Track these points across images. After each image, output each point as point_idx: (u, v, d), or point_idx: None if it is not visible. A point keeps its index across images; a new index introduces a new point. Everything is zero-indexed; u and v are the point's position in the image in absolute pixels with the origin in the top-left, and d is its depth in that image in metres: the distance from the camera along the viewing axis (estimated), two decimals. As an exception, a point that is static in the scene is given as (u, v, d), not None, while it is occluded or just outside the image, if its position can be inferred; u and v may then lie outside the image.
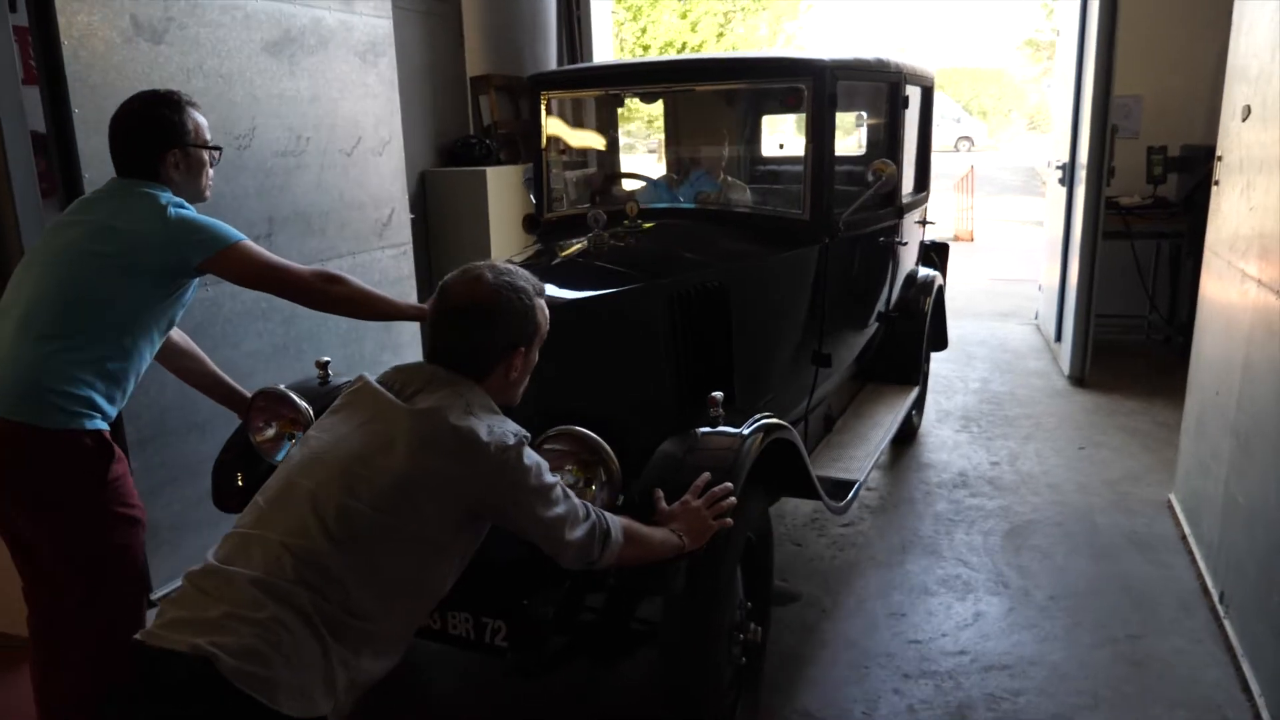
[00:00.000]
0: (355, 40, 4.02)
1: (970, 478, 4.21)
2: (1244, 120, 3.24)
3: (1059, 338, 5.99)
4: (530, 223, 3.66)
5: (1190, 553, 3.41)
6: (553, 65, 6.92)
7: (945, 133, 31.51)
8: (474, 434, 1.63)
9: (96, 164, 2.86)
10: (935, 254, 5.07)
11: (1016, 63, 37.82)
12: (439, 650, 2.25)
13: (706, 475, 2.08)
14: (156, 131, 2.20)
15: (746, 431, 2.30)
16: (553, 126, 3.83)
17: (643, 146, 11.57)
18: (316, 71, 3.80)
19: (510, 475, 1.66)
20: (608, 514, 1.85)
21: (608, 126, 4.38)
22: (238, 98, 3.41)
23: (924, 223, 4.79)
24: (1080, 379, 5.57)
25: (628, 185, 4.33)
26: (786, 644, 2.90)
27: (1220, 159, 3.61)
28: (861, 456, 3.54)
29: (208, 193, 2.34)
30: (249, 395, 2.52)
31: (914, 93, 4.15)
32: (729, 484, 2.07)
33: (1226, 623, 2.92)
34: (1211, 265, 3.53)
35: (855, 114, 4.66)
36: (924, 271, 4.76)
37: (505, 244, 5.76)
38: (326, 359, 2.61)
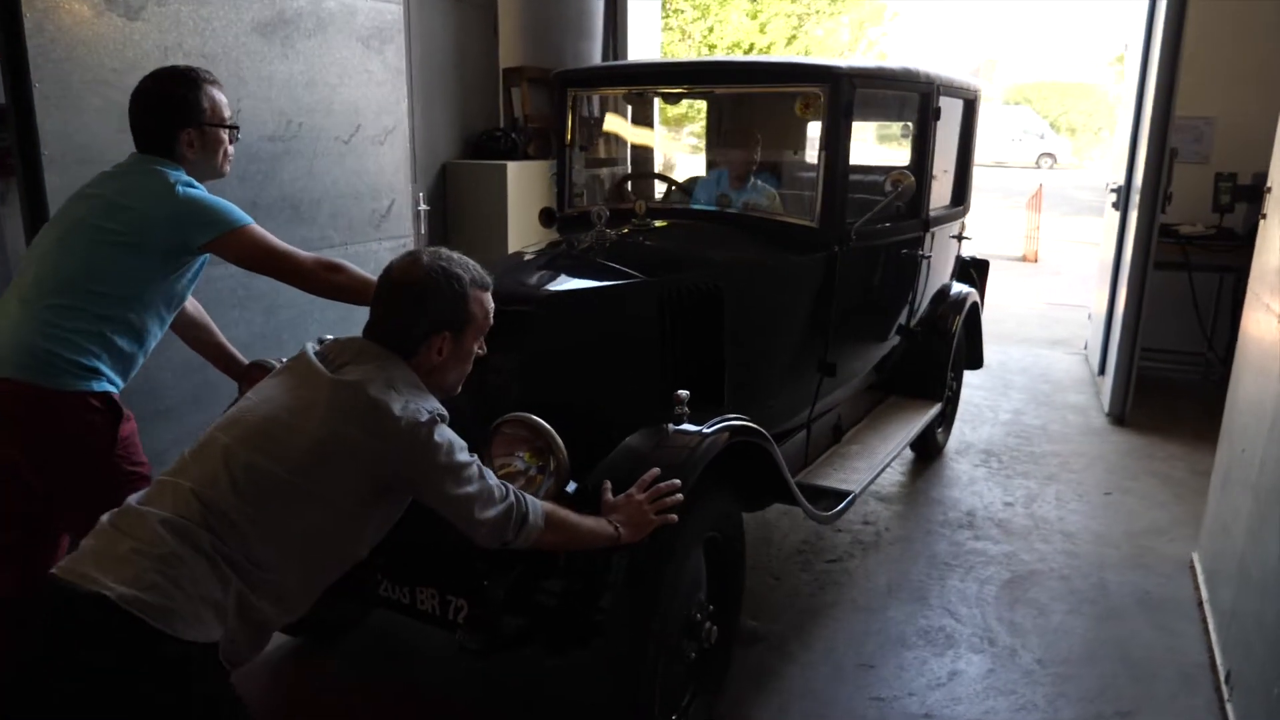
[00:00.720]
0: (359, 25, 3.91)
1: (978, 518, 3.92)
2: (1293, 148, 2.93)
3: (1102, 370, 5.62)
4: (547, 216, 3.58)
5: (1204, 621, 3.10)
6: (596, 61, 6.78)
7: (1027, 149, 30.64)
8: (387, 407, 1.69)
9: (56, 141, 2.80)
10: (975, 270, 4.90)
11: (1109, 78, 36.51)
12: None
13: (656, 470, 2.10)
14: (171, 110, 2.23)
15: (707, 431, 2.28)
16: (580, 122, 3.81)
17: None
18: (313, 55, 3.70)
19: (420, 451, 1.71)
20: (531, 499, 1.89)
21: (639, 125, 4.33)
22: (221, 79, 3.29)
23: (960, 237, 4.62)
24: (1120, 417, 5.20)
25: (668, 182, 4.31)
26: (740, 688, 2.69)
27: (1269, 190, 3.28)
28: (864, 469, 3.43)
29: (226, 169, 2.38)
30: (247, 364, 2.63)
31: (951, 105, 4.00)
32: (676, 481, 2.08)
33: (1230, 706, 2.62)
34: (1251, 307, 3.22)
35: (902, 125, 4.50)
36: (958, 287, 4.60)
37: (525, 238, 5.63)
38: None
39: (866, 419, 3.99)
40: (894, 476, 4.35)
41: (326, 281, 2.32)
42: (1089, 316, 6.74)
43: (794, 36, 17.07)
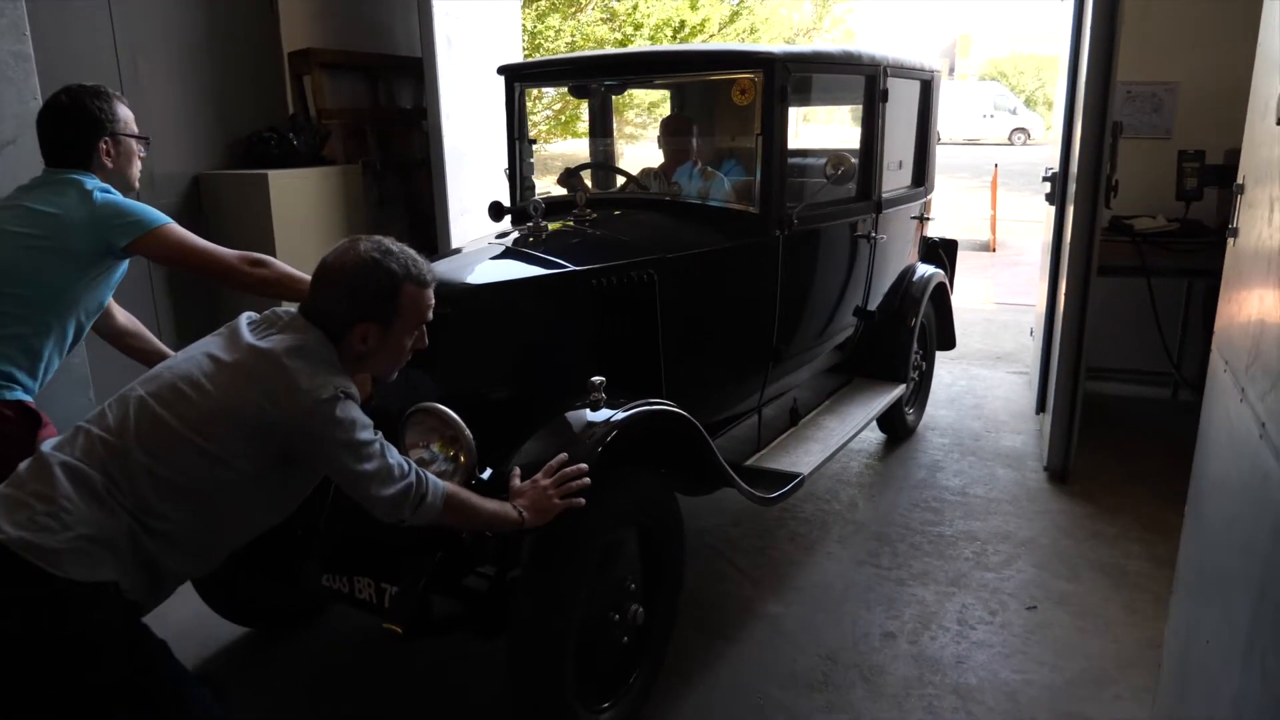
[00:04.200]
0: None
1: (839, 664, 2.75)
2: (1278, 121, 1.76)
3: (1041, 408, 4.46)
4: (496, 210, 3.48)
5: None
6: (415, 39, 5.53)
7: (1000, 125, 29.53)
8: (294, 378, 1.72)
9: None
10: (944, 251, 4.80)
11: (1084, 49, 35.38)
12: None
13: (563, 456, 2.10)
14: (88, 121, 2.27)
15: (617, 416, 2.25)
16: (529, 115, 3.79)
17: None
18: None
19: (320, 425, 1.72)
20: (434, 480, 1.90)
21: (595, 117, 4.38)
22: None
23: (923, 219, 4.52)
24: (1061, 473, 4.05)
25: (617, 172, 4.24)
26: None
27: (1241, 186, 2.12)
28: (818, 452, 3.45)
29: (136, 182, 2.41)
30: None
31: (904, 86, 3.95)
32: (583, 465, 2.09)
33: None
34: (1215, 376, 2.05)
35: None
36: (923, 269, 4.49)
37: (304, 259, 4.43)
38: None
39: (828, 401, 4.00)
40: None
41: (251, 276, 2.33)
42: (1030, 333, 5.57)
43: (735, 14, 15.80)
